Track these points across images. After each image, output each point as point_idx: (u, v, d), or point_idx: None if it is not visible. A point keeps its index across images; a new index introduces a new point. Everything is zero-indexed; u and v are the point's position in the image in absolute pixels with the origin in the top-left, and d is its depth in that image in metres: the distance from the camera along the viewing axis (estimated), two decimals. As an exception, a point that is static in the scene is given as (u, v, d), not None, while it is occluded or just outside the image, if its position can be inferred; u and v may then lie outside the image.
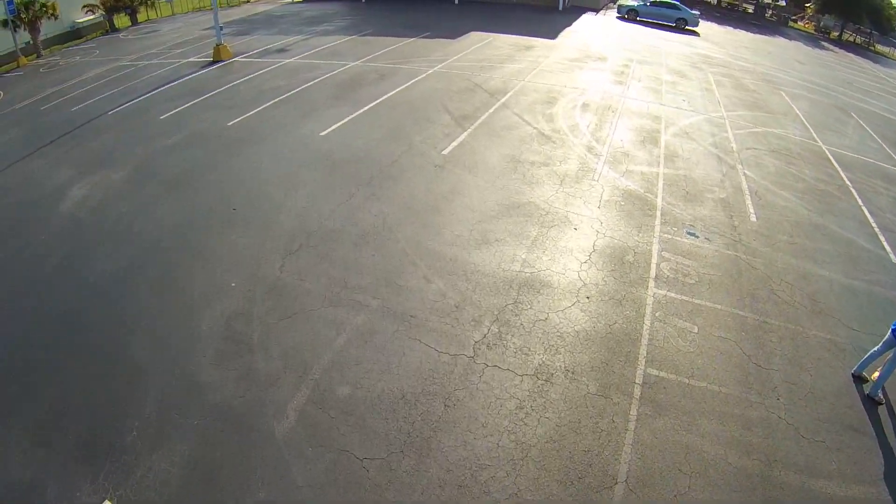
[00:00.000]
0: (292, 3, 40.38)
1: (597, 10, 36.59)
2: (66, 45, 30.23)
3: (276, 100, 16.59)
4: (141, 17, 36.52)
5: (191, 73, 20.41)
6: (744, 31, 39.59)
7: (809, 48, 38.76)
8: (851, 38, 56.01)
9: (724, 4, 59.32)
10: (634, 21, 33.64)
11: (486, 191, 11.17)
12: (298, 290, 8.38)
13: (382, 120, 14.73)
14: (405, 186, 11.24)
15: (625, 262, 9.34)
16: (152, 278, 8.78)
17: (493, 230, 9.93)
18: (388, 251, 9.28)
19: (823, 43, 45.84)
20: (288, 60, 21.37)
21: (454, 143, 13.29)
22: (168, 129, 14.98)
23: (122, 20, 34.75)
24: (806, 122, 17.71)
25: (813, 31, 56.18)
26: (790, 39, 41.68)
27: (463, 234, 9.75)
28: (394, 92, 16.95)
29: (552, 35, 26.43)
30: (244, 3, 43.94)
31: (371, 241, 9.55)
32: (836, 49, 43.10)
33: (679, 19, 33.13)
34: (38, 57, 27.16)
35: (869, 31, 54.97)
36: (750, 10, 61.76)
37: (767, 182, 12.69)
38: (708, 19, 45.99)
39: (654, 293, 8.52)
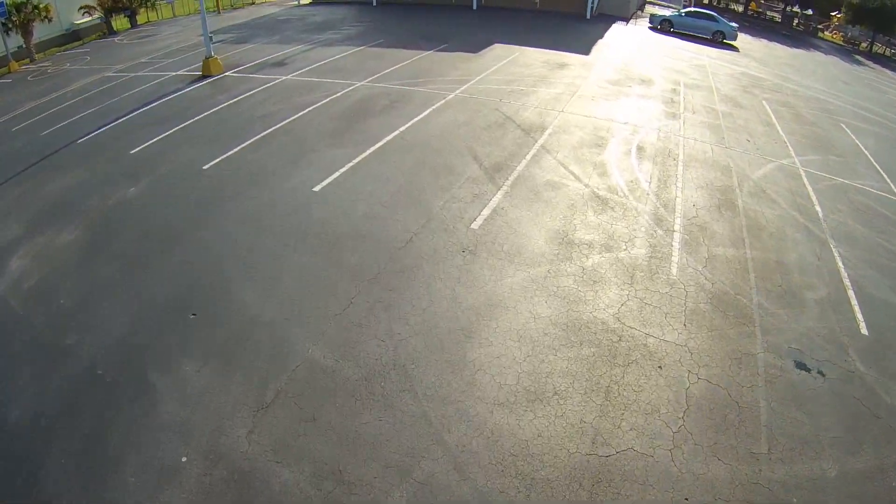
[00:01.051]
0: (299, 6, 37.04)
1: (626, 20, 33.13)
2: (63, 47, 27.37)
3: (264, 132, 13.48)
4: (141, 18, 33.51)
5: (176, 91, 17.30)
6: (780, 45, 36.27)
7: (847, 64, 35.52)
8: (881, 51, 52.50)
9: (750, 13, 55.69)
10: (668, 33, 30.21)
11: (535, 297, 8.04)
12: (271, 480, 5.35)
13: (392, 169, 11.59)
14: (424, 289, 8.11)
15: (728, 423, 6.30)
16: (76, 437, 5.79)
17: (550, 372, 6.83)
18: (402, 414, 6.21)
19: (857, 57, 42.34)
20: (285, 77, 18.19)
21: (486, 211, 10.14)
22: (136, 170, 11.99)
23: (121, 22, 31.71)
24: (879, 167, 14.63)
25: (842, 43, 52.60)
26: (826, 54, 38.31)
27: (508, 382, 6.65)
28: (406, 126, 13.78)
29: (585, 50, 23.07)
30: (249, 4, 40.64)
31: (377, 392, 6.47)
32: (871, 64, 39.75)
33: (716, 32, 29.74)
34: (31, 62, 24.38)
35: (901, 41, 51.38)
36: (777, 19, 58.11)
37: (865, 266, 9.70)
38: (739, 30, 42.58)
39: (770, 478, 5.51)
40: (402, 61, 19.80)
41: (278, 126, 13.78)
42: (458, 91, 16.43)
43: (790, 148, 14.86)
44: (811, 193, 12.32)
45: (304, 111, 14.77)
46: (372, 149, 12.43)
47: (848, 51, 47.63)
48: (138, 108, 15.77)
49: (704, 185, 11.89)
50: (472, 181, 11.15)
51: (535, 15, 31.08)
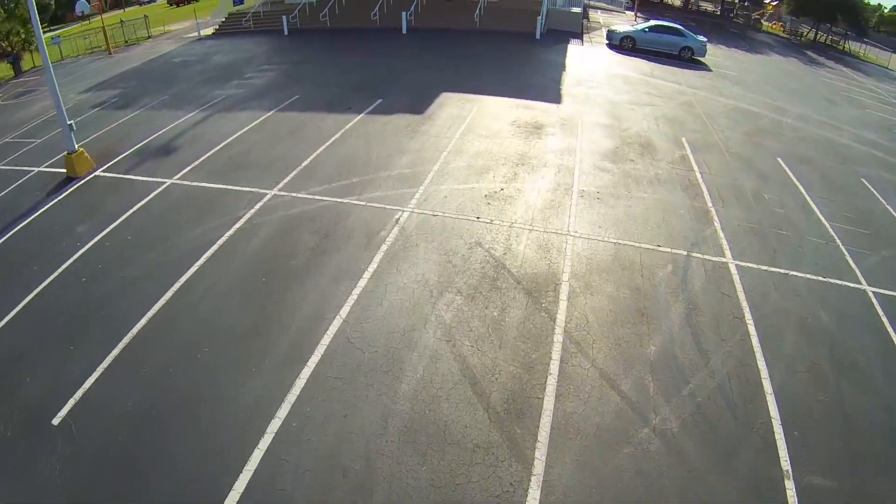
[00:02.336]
0: (200, 39, 30.63)
1: (579, 36, 28.85)
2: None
3: (122, 343, 7.99)
4: (26, 63, 27.33)
5: (22, 217, 11.41)
6: (740, 52, 33.46)
7: (809, 67, 33.19)
8: (823, 39, 51.25)
9: (691, 8, 53.07)
10: (631, 51, 26.18)
11: None
12: None
13: (346, 449, 6.52)
14: None
15: None
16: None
17: None
18: None
19: (809, 53, 40.33)
20: (171, 181, 12.56)
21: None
22: None
23: (4, 69, 26.46)
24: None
25: (786, 35, 50.97)
26: (783, 55, 35.95)
27: None
28: (350, 303, 8.65)
29: (555, 95, 18.53)
30: (146, 39, 33.71)
31: None
32: (826, 61, 37.91)
33: (684, 48, 26.06)
34: None
35: (844, 31, 50.42)
36: (712, 10, 55.86)
37: None
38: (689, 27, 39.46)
39: None
40: (327, 139, 14.48)
41: (143, 325, 8.29)
42: (412, 204, 11.37)
43: (843, 250, 10.98)
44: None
45: (189, 273, 9.31)
46: (299, 382, 7.24)
47: (795, 45, 45.85)
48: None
49: (808, 370, 7.52)
50: (490, 468, 6.22)
51: (477, 37, 26.25)
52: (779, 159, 15.32)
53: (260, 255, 9.71)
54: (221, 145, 14.37)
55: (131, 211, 11.33)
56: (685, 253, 10.22)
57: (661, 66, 24.16)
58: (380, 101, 17.24)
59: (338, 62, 22.52)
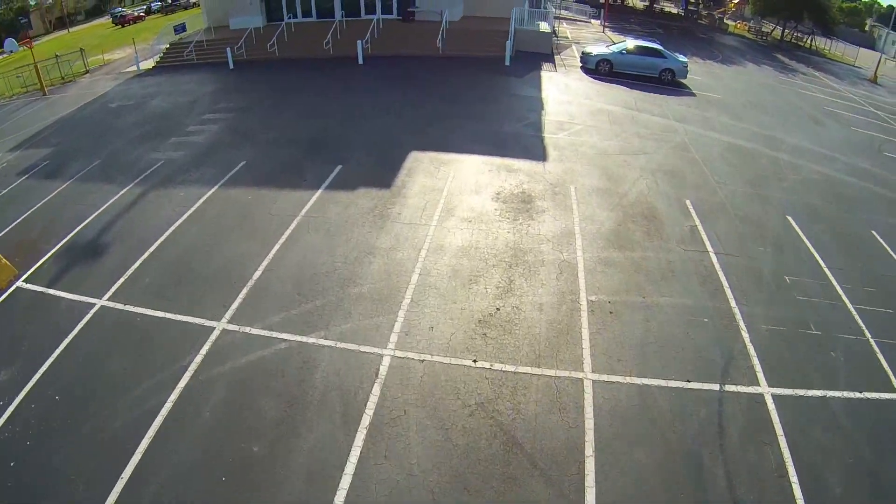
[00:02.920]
0: (139, 74, 27.97)
1: (551, 58, 26.98)
2: None
3: None
4: None
5: None
6: (717, 66, 32.21)
7: (784, 76, 32.14)
8: (788, 37, 50.78)
9: (657, 12, 51.85)
10: (608, 76, 24.46)
11: None
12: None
13: None
14: None
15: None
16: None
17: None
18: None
19: (780, 57, 39.55)
20: (101, 303, 10.21)
21: None
22: None
23: None
24: None
25: (751, 36, 50.27)
26: (757, 64, 34.87)
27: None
28: None
29: (537, 148, 16.66)
30: (83, 74, 30.87)
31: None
32: (799, 66, 37.16)
33: (665, 70, 24.46)
34: None
35: (810, 31, 50.00)
36: (676, 13, 54.90)
37: None
38: (652, 35, 38.17)
39: None
40: (280, 232, 12.22)
41: None
42: (392, 342, 9.29)
43: (874, 346, 9.70)
44: None
45: (128, 470, 7.08)
46: None
47: (763, 47, 45.08)
48: None
49: None
50: None
51: (442, 66, 24.18)
52: (788, 218, 13.88)
53: (213, 436, 7.56)
54: (157, 244, 12.03)
55: (58, 352, 9.06)
56: (717, 388, 8.51)
57: (643, 93, 22.54)
58: (339, 168, 15.05)
59: (289, 106, 20.16)
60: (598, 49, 25.14)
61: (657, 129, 18.86)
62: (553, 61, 26.21)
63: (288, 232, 12.15)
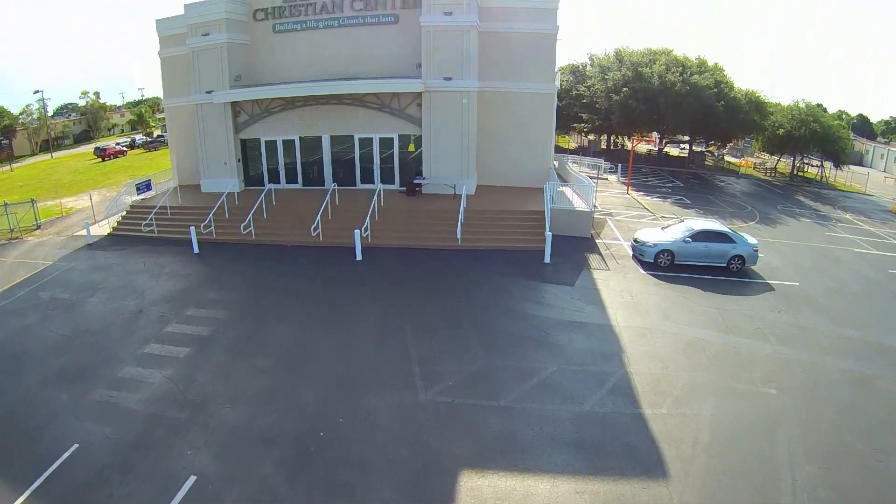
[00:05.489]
0: (89, 246, 23.54)
1: (594, 245, 22.33)
2: None
3: None
4: None
5: None
6: (756, 225, 28.23)
7: (826, 230, 28.68)
8: (798, 170, 48.40)
9: (659, 155, 49.40)
10: (671, 270, 19.66)
11: None
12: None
13: None
14: None
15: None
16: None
17: None
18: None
19: (802, 199, 36.08)
20: None
21: None
22: None
23: None
24: None
25: (763, 174, 47.65)
26: (790, 215, 31.46)
27: None
28: None
29: (647, 455, 10.93)
30: (34, 227, 26.69)
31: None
32: (822, 207, 34.22)
33: (734, 257, 19.92)
34: None
35: (819, 163, 47.72)
36: (680, 154, 52.89)
37: None
38: (678, 190, 34.48)
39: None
40: None
41: None
42: None
43: None
44: None
45: None
46: None
47: (779, 187, 42.09)
48: None
49: None
50: None
51: (463, 268, 19.33)
52: None
53: None
54: None
55: None
56: None
57: (722, 297, 17.76)
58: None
59: (262, 347, 14.27)
60: (652, 236, 20.53)
61: (771, 367, 13.91)
62: (598, 250, 21.50)
63: None
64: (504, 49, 25.44)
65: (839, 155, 44.89)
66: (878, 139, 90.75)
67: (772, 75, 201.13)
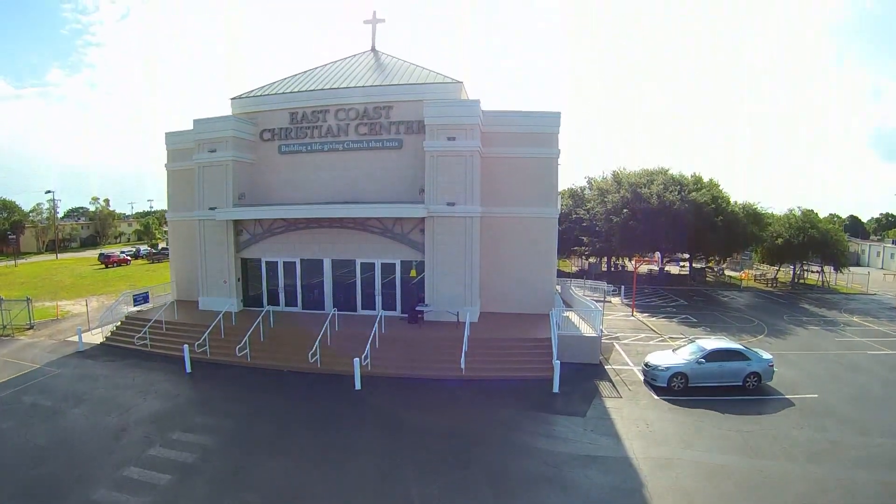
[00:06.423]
0: (79, 353, 23.55)
1: (603, 371, 21.95)
2: None
3: None
4: None
5: None
6: (767, 339, 27.57)
7: (837, 336, 28.30)
8: (798, 279, 48.40)
9: (658, 273, 50.11)
10: (684, 393, 18.98)
11: None
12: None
13: None
14: None
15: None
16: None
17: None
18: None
19: (808, 307, 35.66)
20: None
21: None
22: None
23: None
24: None
25: (764, 286, 47.76)
26: (799, 325, 31.01)
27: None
28: None
29: None
30: (27, 328, 27.20)
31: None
32: (827, 312, 33.99)
33: (750, 374, 19.41)
34: None
35: (819, 269, 47.95)
36: (680, 272, 53.62)
37: None
38: (679, 310, 34.36)
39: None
40: None
41: None
42: None
43: None
44: None
45: None
46: None
47: (781, 297, 41.85)
48: None
49: None
50: None
51: (468, 401, 18.76)
52: None
53: None
54: None
55: None
56: None
57: (742, 419, 17.20)
58: None
59: (248, 487, 13.07)
60: (664, 359, 20.22)
61: (802, 489, 13.18)
62: (608, 376, 21.10)
63: None
64: (506, 173, 25.91)
65: (839, 258, 45.21)
66: (871, 237, 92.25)
67: (764, 187, 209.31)
